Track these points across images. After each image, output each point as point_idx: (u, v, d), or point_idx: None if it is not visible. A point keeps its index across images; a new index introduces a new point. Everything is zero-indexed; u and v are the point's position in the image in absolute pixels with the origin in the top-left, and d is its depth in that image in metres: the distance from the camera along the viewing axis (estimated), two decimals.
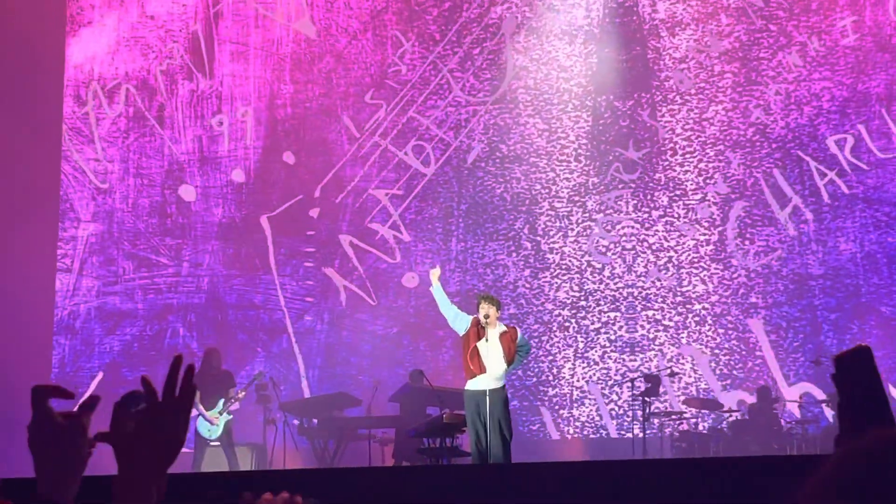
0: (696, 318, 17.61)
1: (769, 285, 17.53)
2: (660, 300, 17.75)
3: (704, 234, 17.80)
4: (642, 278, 17.88)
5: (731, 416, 15.74)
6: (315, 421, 15.99)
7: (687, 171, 17.99)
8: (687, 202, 17.93)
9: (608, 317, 17.90)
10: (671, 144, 18.08)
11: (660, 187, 18.02)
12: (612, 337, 17.82)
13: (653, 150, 18.13)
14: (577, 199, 18.31)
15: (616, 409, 17.68)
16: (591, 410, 17.75)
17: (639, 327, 17.70)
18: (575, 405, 17.77)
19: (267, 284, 18.75)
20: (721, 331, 17.53)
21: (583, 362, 17.67)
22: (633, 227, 18.04)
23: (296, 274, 18.72)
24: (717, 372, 17.45)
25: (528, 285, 18.12)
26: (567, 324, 17.87)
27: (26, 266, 17.71)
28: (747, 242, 17.66)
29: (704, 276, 17.71)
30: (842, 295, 17.36)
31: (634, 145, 18.19)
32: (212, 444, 15.11)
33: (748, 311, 17.48)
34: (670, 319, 17.67)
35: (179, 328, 18.71)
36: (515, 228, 18.37)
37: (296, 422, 16.00)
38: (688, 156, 18.03)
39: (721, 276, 17.65)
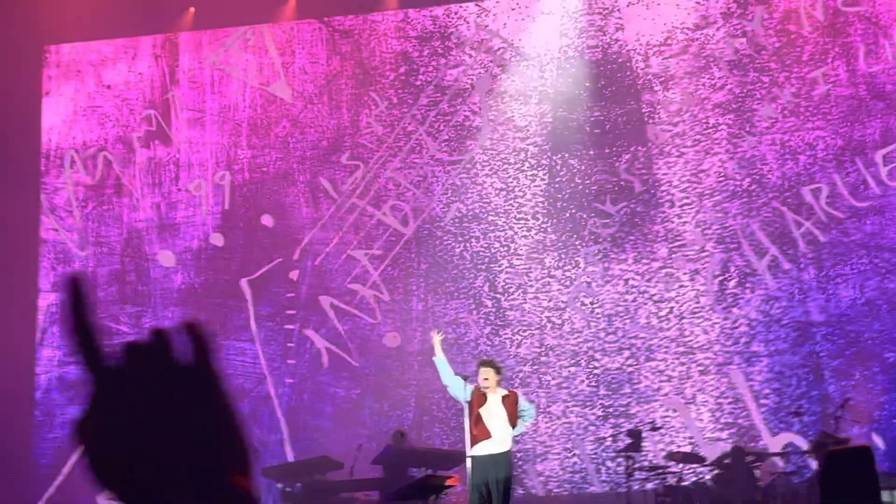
0: (700, 368, 17.94)
1: (770, 333, 17.89)
2: (663, 350, 18.09)
3: (704, 285, 18.17)
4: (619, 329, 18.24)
5: (714, 469, 15.86)
6: (298, 485, 16.07)
7: (685, 223, 18.38)
8: (686, 253, 18.32)
9: (568, 371, 18.23)
10: (668, 196, 18.48)
11: (659, 239, 18.42)
12: (573, 391, 18.14)
13: (629, 204, 18.55)
14: (535, 255, 18.71)
15: (580, 462, 17.96)
16: (554, 465, 18.02)
17: (643, 377, 18.02)
18: (538, 460, 18.04)
19: (226, 349, 18.98)
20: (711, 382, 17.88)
21: (545, 417, 17.94)
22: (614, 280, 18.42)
23: (257, 338, 18.98)
24: (702, 424, 17.75)
25: (489, 342, 18.45)
26: (528, 379, 18.18)
27: (6, 335, 17.98)
28: (748, 291, 18.03)
29: (706, 325, 18.06)
30: (843, 342, 17.72)
31: (611, 200, 18.61)
32: None
33: (749, 360, 17.82)
34: (673, 370, 18.01)
35: None
36: (476, 286, 18.73)
37: (279, 486, 16.08)
38: (685, 207, 18.43)
39: (722, 325, 18.01)
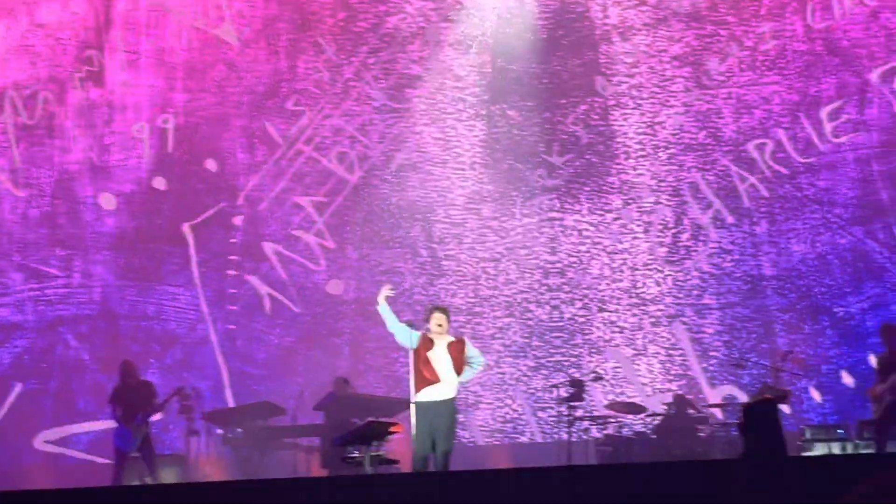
0: (651, 320, 18.13)
1: (722, 286, 18.10)
2: (615, 302, 18.26)
3: (659, 237, 18.32)
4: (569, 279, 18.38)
5: (655, 419, 16.06)
6: (239, 431, 16.10)
7: (640, 175, 18.50)
8: (640, 205, 18.46)
9: (503, 322, 18.38)
10: (624, 148, 18.58)
11: (613, 190, 18.52)
12: (507, 342, 18.29)
13: (576, 156, 18.63)
14: (472, 206, 18.78)
15: (512, 412, 18.14)
16: (485, 415, 18.19)
17: (594, 328, 18.17)
18: (470, 409, 18.20)
19: (160, 294, 18.93)
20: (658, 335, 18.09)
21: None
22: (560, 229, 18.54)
23: (189, 283, 18.95)
24: (644, 375, 17.96)
25: (424, 292, 18.54)
26: (463, 330, 18.30)
27: None
28: (700, 244, 18.21)
29: (659, 278, 18.23)
30: (794, 296, 17.93)
31: (558, 151, 18.69)
32: (132, 456, 15.02)
33: (701, 312, 18.03)
34: (625, 321, 18.20)
35: (70, 340, 18.84)
36: (412, 236, 18.78)
37: (219, 432, 16.10)
38: (640, 159, 18.54)
39: (675, 278, 18.19)
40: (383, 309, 12.39)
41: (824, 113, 18.30)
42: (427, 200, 18.95)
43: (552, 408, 17.84)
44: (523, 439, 18.22)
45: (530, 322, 18.47)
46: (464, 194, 18.92)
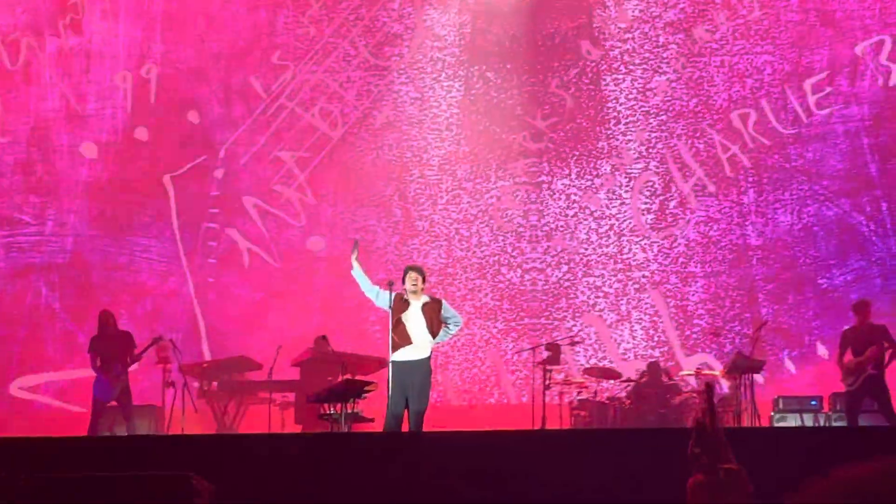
0: (636, 286, 18.29)
1: (708, 254, 18.26)
2: (600, 267, 18.40)
3: (646, 203, 18.45)
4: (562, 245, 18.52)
5: (629, 385, 16.18)
6: (215, 384, 16.21)
7: (629, 141, 18.61)
8: (629, 171, 18.57)
9: (474, 283, 18.53)
10: (614, 113, 18.68)
11: (603, 155, 18.63)
12: (478, 304, 18.45)
13: (561, 120, 18.72)
14: (447, 167, 18.88)
15: (481, 373, 18.32)
16: (454, 376, 18.36)
17: (579, 293, 18.31)
18: (439, 369, 18.36)
19: (132, 246, 19.01)
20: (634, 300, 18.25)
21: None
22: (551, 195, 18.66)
23: (161, 235, 19.02)
24: (619, 341, 18.13)
25: (397, 251, 18.66)
26: (433, 291, 18.43)
27: None
28: (687, 212, 18.35)
29: (645, 244, 18.38)
30: (778, 266, 18.12)
31: (542, 115, 18.78)
32: (109, 406, 15.11)
33: (686, 280, 18.18)
34: (610, 286, 18.37)
35: (42, 288, 18.93)
36: (386, 195, 18.88)
37: (196, 384, 16.21)
38: (630, 125, 18.64)
39: (660, 245, 18.34)
40: (356, 272, 12.46)
41: (809, 84, 18.39)
42: (403, 160, 19.04)
43: (522, 370, 18.04)
44: (491, 400, 18.39)
45: (501, 285, 18.62)
46: (439, 155, 19.01)
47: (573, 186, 18.73)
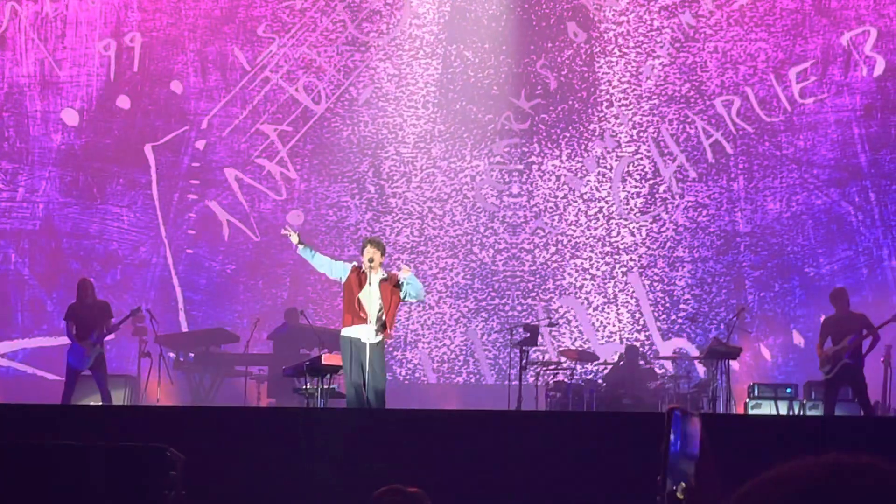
0: (623, 269, 18.41)
1: (696, 240, 18.39)
2: (588, 250, 18.49)
3: (636, 187, 18.53)
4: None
5: (606, 368, 16.24)
6: (192, 355, 16.23)
7: (621, 124, 18.68)
8: (620, 154, 18.65)
9: (445, 262, 18.62)
10: (607, 96, 18.74)
11: (594, 137, 18.70)
12: (449, 283, 18.54)
13: (546, 101, 18.79)
14: (422, 145, 18.94)
15: (450, 352, 18.43)
16: (423, 354, 18.46)
17: (566, 275, 18.39)
18: (408, 347, 18.46)
19: (103, 214, 19.00)
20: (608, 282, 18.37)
21: (418, 307, 18.10)
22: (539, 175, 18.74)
23: (134, 205, 19.01)
24: (605, 324, 18.24)
25: (369, 228, 18.72)
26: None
27: None
28: (677, 197, 18.45)
29: (634, 227, 18.47)
30: (766, 253, 18.25)
31: (526, 95, 18.84)
32: (83, 375, 15.06)
33: (673, 265, 18.29)
34: (597, 269, 18.48)
35: (11, 254, 18.93)
36: (360, 171, 18.93)
37: (172, 355, 16.21)
38: (623, 108, 18.71)
39: (649, 229, 18.43)
40: (301, 251, 12.27)
41: (794, 73, 18.48)
42: (378, 137, 19.09)
43: (491, 351, 18.16)
44: (460, 380, 18.49)
45: (473, 264, 18.71)
46: (415, 133, 19.07)
47: (563, 168, 18.81)
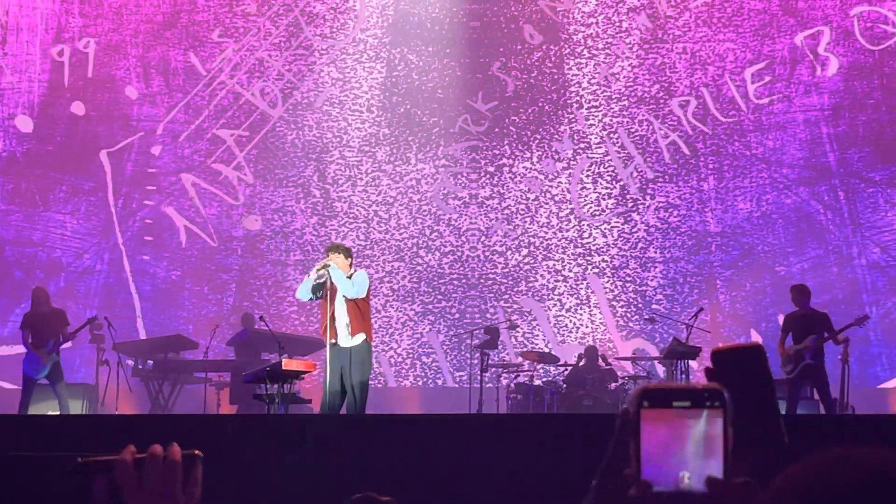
0: (596, 270, 18.62)
1: (667, 240, 18.62)
2: (560, 251, 18.67)
3: (607, 188, 18.70)
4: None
5: (566, 370, 16.40)
6: (150, 362, 16.20)
7: (591, 125, 18.86)
8: (590, 155, 18.84)
9: (392, 266, 18.76)
10: (577, 98, 18.91)
11: (564, 139, 18.86)
12: (395, 286, 18.68)
13: (501, 104, 18.97)
14: (367, 149, 19.07)
15: (396, 356, 18.58)
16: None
17: (539, 277, 18.54)
18: None
19: (46, 221, 18.97)
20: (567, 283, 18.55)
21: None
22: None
23: (77, 212, 18.99)
24: (586, 324, 18.41)
25: (315, 232, 18.82)
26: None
27: None
28: (647, 197, 18.64)
29: (605, 228, 18.67)
30: (737, 253, 18.51)
31: (483, 98, 19.00)
32: (40, 383, 15.04)
33: (645, 265, 18.47)
34: (570, 270, 18.69)
35: None
36: (305, 175, 19.03)
37: (130, 363, 16.19)
38: (592, 110, 18.88)
39: (620, 230, 18.62)
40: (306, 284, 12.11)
41: (749, 73, 18.75)
42: (323, 141, 19.19)
43: (449, 353, 18.29)
44: (407, 383, 18.63)
45: (419, 267, 18.86)
46: (359, 137, 19.18)
47: (534, 170, 18.98)
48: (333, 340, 11.89)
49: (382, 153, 19.20)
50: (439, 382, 18.63)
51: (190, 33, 19.44)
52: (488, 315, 18.50)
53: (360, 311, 12.05)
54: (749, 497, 1.50)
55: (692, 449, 1.54)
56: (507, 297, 18.76)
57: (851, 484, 1.29)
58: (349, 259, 12.23)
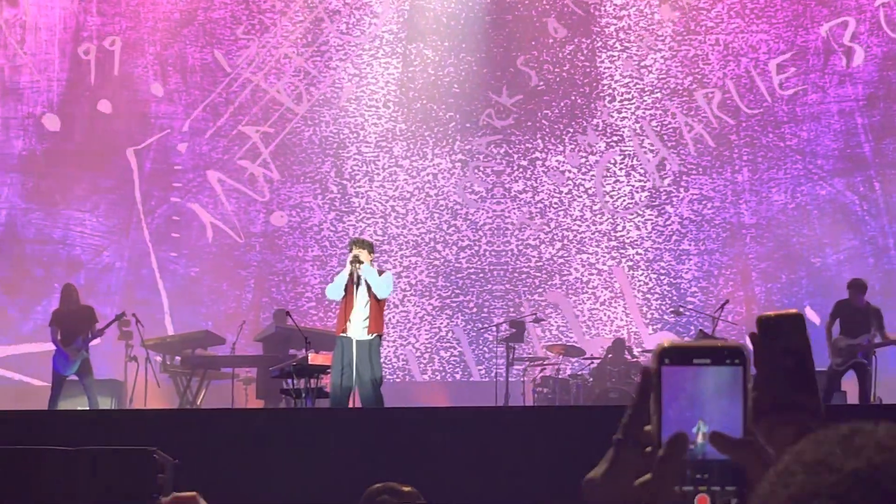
0: (629, 263, 18.73)
1: (701, 232, 18.70)
2: (594, 245, 18.79)
3: (640, 181, 18.82)
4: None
5: (592, 363, 16.39)
6: (178, 358, 16.33)
7: (624, 118, 18.99)
8: (623, 149, 18.97)
9: (409, 261, 18.90)
10: (609, 91, 19.01)
11: (597, 132, 18.98)
12: (413, 281, 18.82)
13: (526, 97, 19.06)
14: (384, 144, 19.21)
15: (416, 350, 18.73)
16: (388, 352, 18.72)
17: (572, 270, 18.64)
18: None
19: (66, 219, 19.15)
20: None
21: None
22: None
23: (96, 209, 19.19)
24: (620, 318, 18.53)
25: (332, 228, 18.98)
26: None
27: None
28: (682, 190, 18.71)
29: (639, 221, 18.81)
30: (772, 245, 18.59)
31: (508, 91, 19.11)
32: (69, 380, 15.21)
33: (679, 258, 18.52)
34: (604, 263, 18.78)
35: None
36: (322, 171, 19.18)
37: (158, 359, 16.33)
38: (625, 103, 18.99)
39: (654, 222, 18.76)
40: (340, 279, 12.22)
41: (774, 65, 18.76)
42: (340, 137, 19.34)
43: (474, 346, 18.41)
44: (426, 377, 18.75)
45: (437, 262, 19.00)
46: (376, 132, 19.33)
47: (567, 163, 19.06)
48: (347, 335, 12.04)
49: (399, 148, 19.35)
50: (458, 377, 18.76)
51: (207, 31, 19.60)
52: (511, 310, 18.56)
53: (380, 308, 12.26)
54: (760, 457, 1.54)
55: (712, 406, 1.63)
56: (540, 290, 18.81)
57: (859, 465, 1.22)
58: (372, 254, 12.44)
